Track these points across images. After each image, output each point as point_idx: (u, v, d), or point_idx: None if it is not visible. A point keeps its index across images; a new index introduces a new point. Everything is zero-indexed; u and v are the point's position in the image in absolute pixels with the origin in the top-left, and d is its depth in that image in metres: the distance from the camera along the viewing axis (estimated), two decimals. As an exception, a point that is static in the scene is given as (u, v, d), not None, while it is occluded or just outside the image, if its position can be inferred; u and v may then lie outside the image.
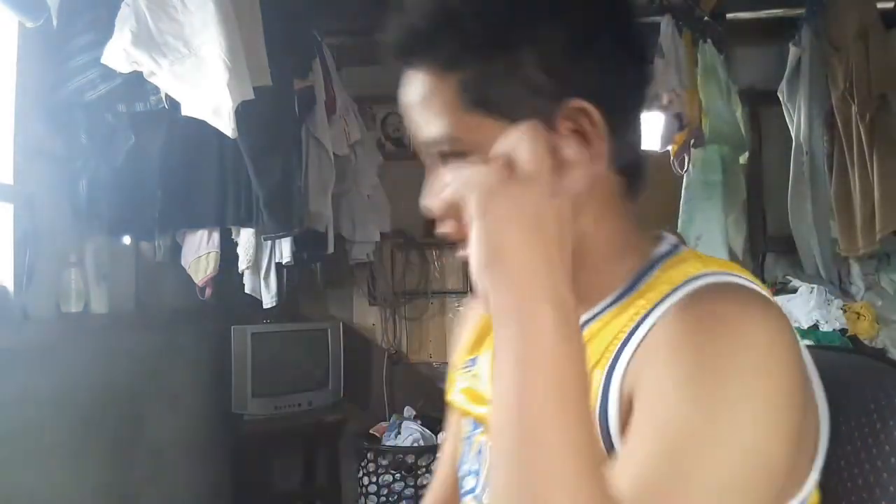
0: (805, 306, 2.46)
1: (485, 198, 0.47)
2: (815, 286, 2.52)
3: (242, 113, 1.56)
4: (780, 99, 2.72)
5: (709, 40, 2.65)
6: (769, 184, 3.11)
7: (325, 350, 2.92)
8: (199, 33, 1.51)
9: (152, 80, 1.54)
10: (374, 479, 2.75)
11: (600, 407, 0.53)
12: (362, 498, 2.79)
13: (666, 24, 2.48)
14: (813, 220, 2.57)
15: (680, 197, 2.74)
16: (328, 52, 2.69)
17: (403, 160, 3.41)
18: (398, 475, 2.73)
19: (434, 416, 2.99)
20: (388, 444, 2.80)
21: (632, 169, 0.59)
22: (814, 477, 0.54)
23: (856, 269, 2.66)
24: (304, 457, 3.09)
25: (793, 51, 2.64)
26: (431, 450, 2.76)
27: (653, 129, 2.50)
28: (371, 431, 2.92)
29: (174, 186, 2.11)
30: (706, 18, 2.67)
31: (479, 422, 0.68)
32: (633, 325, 0.54)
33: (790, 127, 2.71)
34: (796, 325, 2.39)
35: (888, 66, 2.25)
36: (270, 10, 1.87)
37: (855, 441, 0.61)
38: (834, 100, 2.42)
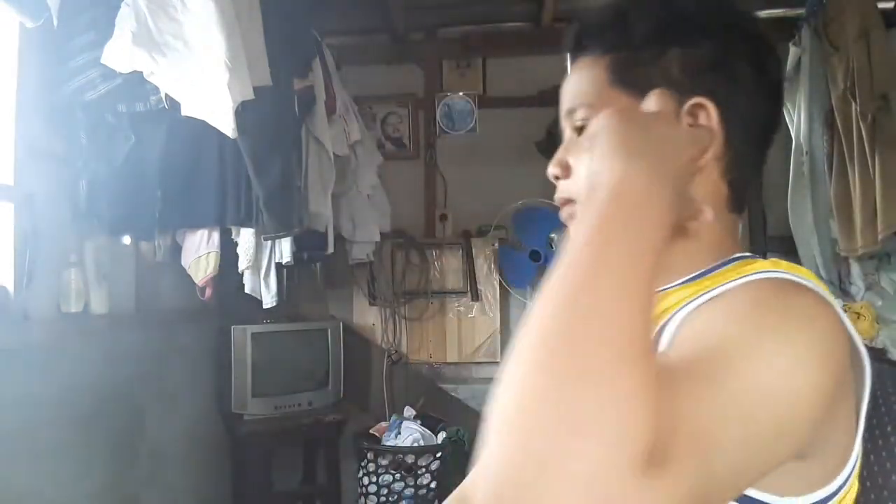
0: (805, 306, 2.46)
1: (615, 116, 0.53)
2: (815, 286, 2.51)
3: (242, 113, 1.56)
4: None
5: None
6: (769, 184, 3.12)
7: (325, 350, 2.92)
8: (199, 33, 1.51)
9: (152, 80, 1.54)
10: (374, 479, 2.75)
11: None
12: (362, 498, 2.79)
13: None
14: (813, 219, 2.57)
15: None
16: (328, 52, 2.69)
17: (403, 160, 3.42)
18: (398, 475, 2.72)
19: (434, 416, 3.00)
20: (388, 444, 2.80)
21: (740, 184, 0.65)
22: (850, 466, 0.55)
23: (856, 269, 2.66)
24: (304, 457, 3.09)
25: (793, 51, 2.64)
26: (431, 450, 2.76)
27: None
28: (371, 431, 2.92)
29: (174, 186, 2.11)
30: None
31: None
32: (695, 295, 0.57)
33: (790, 127, 2.71)
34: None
35: (889, 66, 2.25)
36: (270, 10, 1.87)
37: (856, 441, 0.61)
38: (834, 100, 2.42)
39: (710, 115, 0.60)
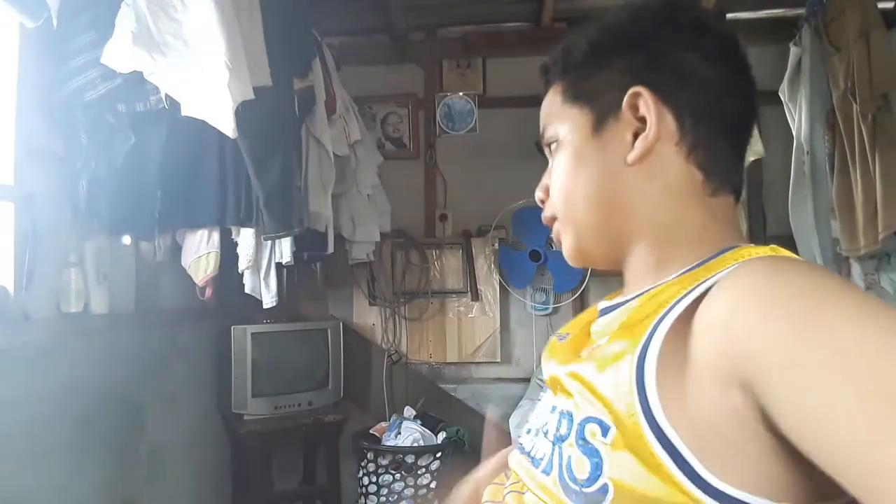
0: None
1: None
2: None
3: (242, 113, 1.56)
4: (781, 99, 2.72)
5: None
6: (769, 183, 3.12)
7: (325, 350, 2.92)
8: (199, 33, 1.51)
9: (152, 79, 1.54)
10: (374, 479, 2.75)
11: (640, 352, 0.54)
12: (362, 498, 2.79)
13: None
14: (813, 219, 2.57)
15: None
16: (328, 52, 2.69)
17: (403, 160, 3.42)
18: (398, 475, 2.73)
19: (434, 416, 3.00)
20: (388, 444, 2.80)
21: (709, 166, 0.65)
22: None
23: (856, 269, 2.66)
24: (304, 457, 3.09)
25: (793, 51, 2.64)
26: (431, 450, 2.76)
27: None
28: (371, 431, 2.92)
29: (174, 186, 2.11)
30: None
31: (549, 385, 0.71)
32: (689, 288, 0.56)
33: (791, 127, 2.71)
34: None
35: (889, 66, 2.25)
36: (270, 10, 1.87)
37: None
38: (835, 99, 2.42)
39: (647, 101, 0.63)
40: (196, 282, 2.25)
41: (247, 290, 2.35)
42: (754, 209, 3.00)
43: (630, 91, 0.64)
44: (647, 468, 0.50)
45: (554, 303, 3.26)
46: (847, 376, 0.42)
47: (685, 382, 0.51)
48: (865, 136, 2.28)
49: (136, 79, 1.54)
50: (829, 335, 0.44)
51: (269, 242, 2.28)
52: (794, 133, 2.66)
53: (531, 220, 3.13)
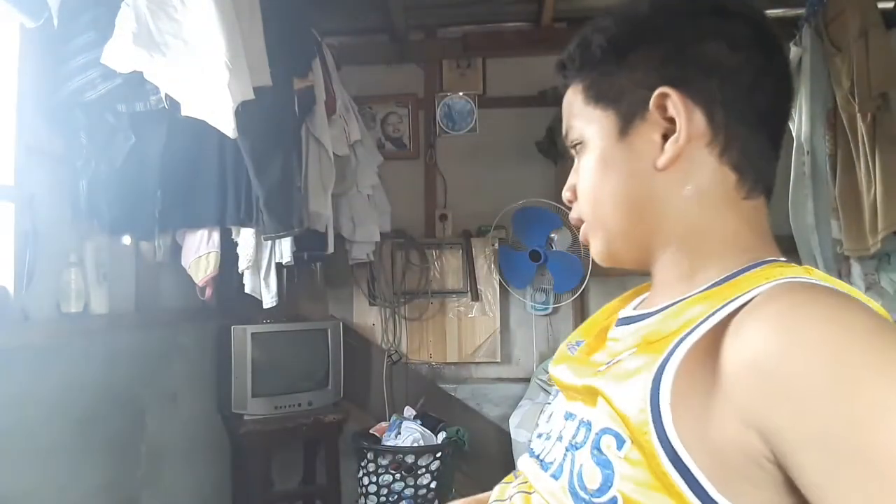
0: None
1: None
2: (815, 286, 2.51)
3: (242, 113, 1.55)
4: (793, 102, 2.71)
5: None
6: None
7: (325, 350, 2.92)
8: (199, 33, 1.51)
9: (152, 79, 1.54)
10: (374, 479, 2.75)
11: (657, 370, 0.53)
12: (362, 498, 2.79)
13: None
14: (813, 219, 2.56)
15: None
16: (328, 52, 2.69)
17: (403, 160, 3.42)
18: (398, 475, 2.72)
19: (434, 416, 3.00)
20: (388, 444, 2.80)
21: (748, 166, 0.62)
22: None
23: (856, 268, 2.66)
24: (304, 457, 3.09)
25: (793, 50, 2.63)
26: (431, 450, 2.76)
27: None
28: (371, 431, 2.92)
29: (174, 186, 2.11)
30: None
31: (561, 391, 0.71)
32: (716, 308, 0.54)
33: (791, 127, 2.70)
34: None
35: (888, 66, 2.25)
36: (270, 11, 1.87)
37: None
38: (839, 99, 2.42)
39: (675, 102, 0.60)
40: (196, 282, 2.25)
41: (247, 290, 2.35)
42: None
43: (657, 92, 0.61)
44: (659, 486, 0.50)
45: (554, 303, 3.26)
46: (867, 471, 0.42)
47: (709, 406, 0.50)
48: (865, 136, 2.28)
49: (136, 79, 1.54)
50: (852, 419, 0.44)
51: (269, 242, 2.28)
52: (794, 133, 2.66)
53: (531, 220, 3.13)
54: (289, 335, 2.91)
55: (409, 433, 2.81)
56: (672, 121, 0.61)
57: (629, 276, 0.76)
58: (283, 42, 1.99)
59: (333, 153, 2.53)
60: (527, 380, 3.22)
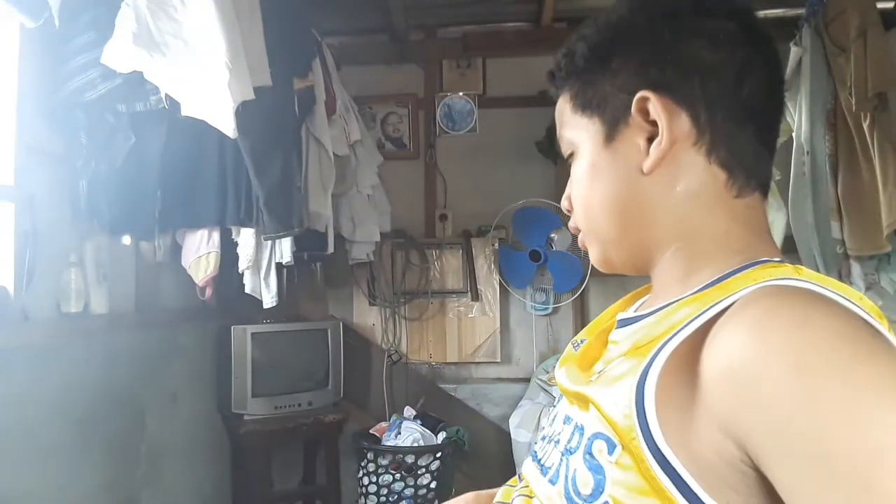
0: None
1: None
2: (815, 286, 2.51)
3: (242, 113, 1.55)
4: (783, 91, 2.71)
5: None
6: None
7: (325, 350, 2.92)
8: (199, 33, 1.51)
9: (152, 79, 1.54)
10: (374, 479, 2.75)
11: (641, 374, 0.53)
12: (362, 498, 2.79)
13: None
14: (813, 219, 2.56)
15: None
16: (328, 52, 2.69)
17: (403, 160, 3.42)
18: (398, 475, 2.73)
19: (434, 416, 3.00)
20: (388, 444, 2.80)
21: (732, 163, 0.61)
22: None
23: (856, 269, 2.66)
24: (304, 457, 3.09)
25: (793, 50, 2.63)
26: (431, 450, 2.76)
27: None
28: (371, 431, 2.92)
29: (174, 186, 2.11)
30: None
31: (563, 394, 0.71)
32: (701, 310, 0.54)
33: (791, 126, 2.70)
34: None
35: (886, 66, 2.25)
36: (270, 11, 1.87)
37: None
38: (842, 99, 2.42)
39: (655, 105, 0.60)
40: (196, 282, 2.26)
41: (247, 290, 2.35)
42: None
43: (637, 96, 0.61)
44: (649, 490, 0.50)
45: (554, 303, 3.26)
46: (833, 477, 0.42)
47: (692, 410, 0.50)
48: (866, 135, 2.28)
49: (136, 79, 1.54)
50: (815, 426, 0.43)
51: (269, 242, 2.28)
52: (794, 133, 2.66)
53: (531, 220, 3.13)
54: (289, 335, 2.91)
55: (409, 433, 2.81)
56: (655, 124, 0.61)
57: (629, 277, 0.75)
58: (283, 42, 1.99)
59: (333, 153, 2.53)
60: (527, 380, 3.22)
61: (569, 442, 0.61)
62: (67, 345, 1.79)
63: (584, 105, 0.66)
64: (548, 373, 3.07)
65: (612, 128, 0.64)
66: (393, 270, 3.29)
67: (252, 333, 2.68)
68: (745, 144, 0.62)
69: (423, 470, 2.73)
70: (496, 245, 3.26)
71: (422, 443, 2.78)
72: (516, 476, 0.76)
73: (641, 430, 0.51)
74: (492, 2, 3.21)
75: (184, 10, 1.51)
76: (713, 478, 0.48)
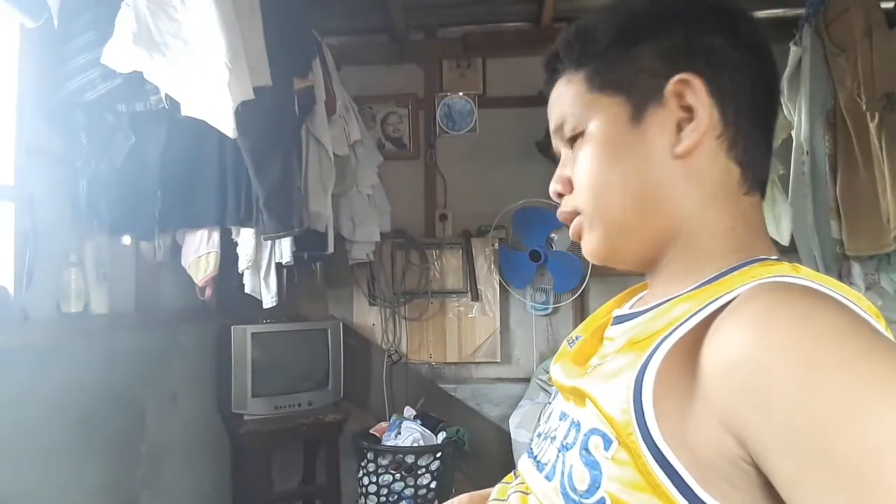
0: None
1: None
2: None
3: (242, 113, 1.56)
4: (781, 98, 2.71)
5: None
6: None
7: (325, 350, 2.92)
8: (199, 33, 1.51)
9: (152, 79, 1.54)
10: (374, 479, 2.75)
11: (639, 369, 0.53)
12: (362, 498, 2.79)
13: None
14: (813, 219, 2.56)
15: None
16: (328, 52, 2.69)
17: (403, 160, 3.42)
18: (398, 475, 2.73)
19: (434, 416, 3.00)
20: (388, 444, 2.80)
21: (749, 162, 0.62)
22: None
23: (856, 269, 2.66)
24: (304, 457, 3.09)
25: (793, 50, 2.63)
26: (431, 450, 2.76)
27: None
28: (371, 431, 2.92)
29: (174, 186, 2.11)
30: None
31: (559, 391, 0.70)
32: (701, 306, 0.54)
33: (790, 124, 2.70)
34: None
35: (892, 66, 2.25)
36: (270, 10, 1.87)
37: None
38: (843, 100, 2.41)
39: (696, 89, 0.59)
40: (196, 282, 2.26)
41: (247, 290, 2.35)
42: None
43: (677, 77, 0.60)
44: (645, 486, 0.50)
45: (554, 303, 3.26)
46: (833, 472, 0.42)
47: (691, 406, 0.50)
48: (870, 135, 2.28)
49: (136, 79, 1.55)
50: (816, 421, 0.43)
51: (269, 242, 2.28)
52: (793, 133, 2.66)
53: (531, 220, 3.13)
54: (289, 335, 2.91)
55: (409, 433, 2.81)
56: (688, 109, 0.60)
57: (629, 276, 0.75)
58: (283, 42, 1.99)
59: (333, 153, 2.53)
60: (527, 380, 3.22)
61: (565, 438, 0.61)
62: (67, 345, 1.79)
63: (605, 85, 0.63)
64: (548, 373, 3.07)
65: (640, 109, 0.62)
66: (393, 270, 3.29)
67: (252, 333, 2.68)
68: (757, 143, 0.63)
69: (423, 470, 2.73)
70: (496, 245, 3.26)
71: (422, 443, 2.78)
72: (511, 474, 0.76)
73: (639, 426, 0.51)
74: (492, 2, 3.21)
75: (184, 9, 1.51)
76: (710, 473, 0.48)
